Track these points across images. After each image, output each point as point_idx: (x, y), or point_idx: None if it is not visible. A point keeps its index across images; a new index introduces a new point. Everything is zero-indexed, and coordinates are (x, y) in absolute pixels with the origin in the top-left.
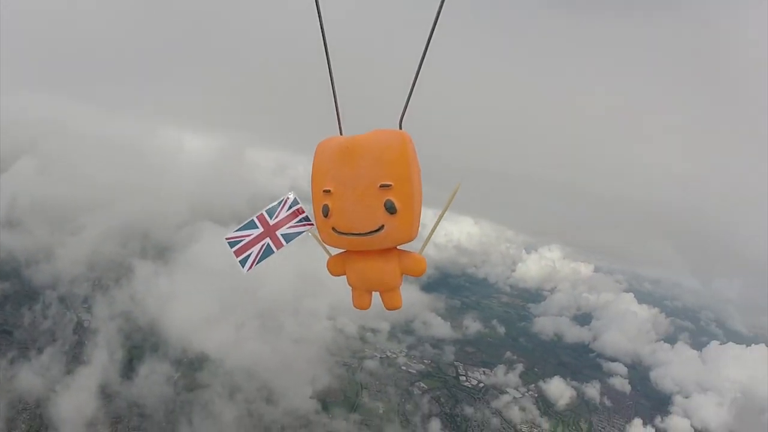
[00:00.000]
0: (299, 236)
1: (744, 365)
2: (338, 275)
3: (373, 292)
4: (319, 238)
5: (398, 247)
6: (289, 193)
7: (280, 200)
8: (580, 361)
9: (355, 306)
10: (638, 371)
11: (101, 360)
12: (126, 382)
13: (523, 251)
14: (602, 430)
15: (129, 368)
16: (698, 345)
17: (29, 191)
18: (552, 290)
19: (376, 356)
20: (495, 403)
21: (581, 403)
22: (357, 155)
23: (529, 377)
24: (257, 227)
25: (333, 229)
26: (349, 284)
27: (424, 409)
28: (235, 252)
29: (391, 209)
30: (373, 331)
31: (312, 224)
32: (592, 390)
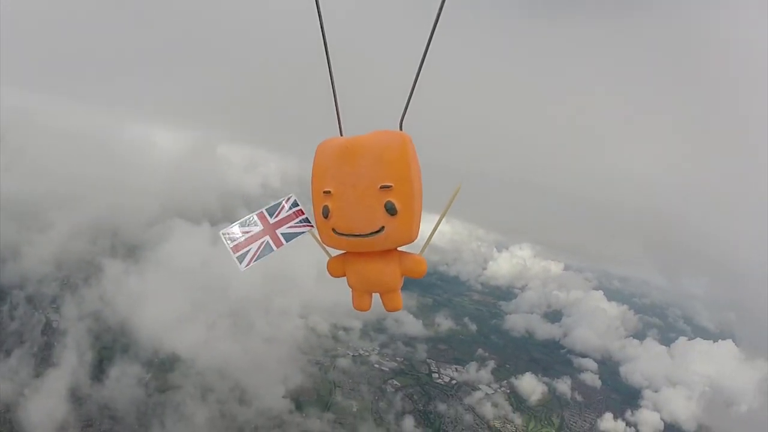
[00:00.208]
0: (299, 236)
1: (711, 360)
2: (338, 276)
3: (374, 294)
4: (319, 240)
5: (398, 249)
6: (290, 194)
7: (280, 200)
8: (551, 357)
9: (355, 307)
10: (608, 366)
11: (71, 362)
12: (96, 385)
13: (494, 250)
14: (574, 424)
15: (99, 370)
16: (666, 341)
17: None
18: (523, 288)
19: (348, 354)
20: (468, 400)
21: (553, 398)
22: (357, 155)
23: (501, 374)
24: (257, 225)
25: (333, 230)
26: (349, 285)
27: (397, 406)
28: (232, 248)
29: (391, 210)
30: (345, 329)
31: (312, 226)
32: (564, 385)
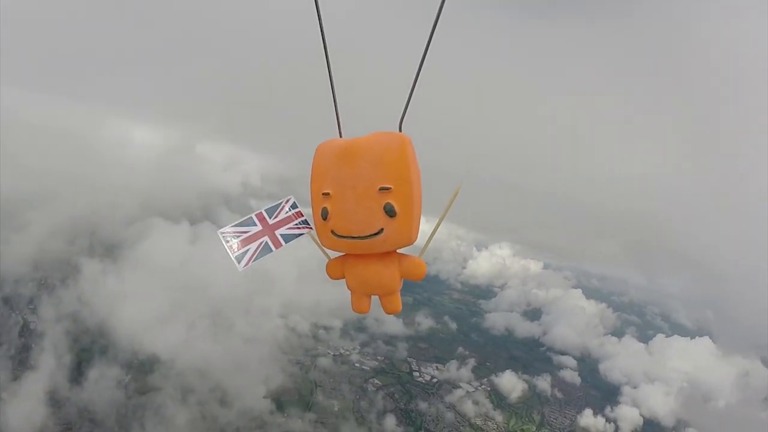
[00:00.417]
0: (298, 238)
1: (689, 357)
2: (337, 279)
3: (372, 296)
4: (318, 241)
5: (398, 251)
6: (289, 196)
7: (279, 202)
8: (531, 355)
9: (354, 309)
10: (587, 364)
11: (49, 364)
12: (75, 387)
13: (474, 249)
14: (554, 421)
15: (78, 372)
16: (645, 338)
17: None
18: (502, 287)
19: (329, 354)
20: (449, 398)
21: (533, 395)
22: (357, 157)
23: (482, 372)
24: (256, 225)
25: (332, 232)
26: (348, 288)
27: (378, 405)
28: (231, 247)
29: (390, 212)
30: (326, 328)
31: (311, 228)
32: (543, 383)
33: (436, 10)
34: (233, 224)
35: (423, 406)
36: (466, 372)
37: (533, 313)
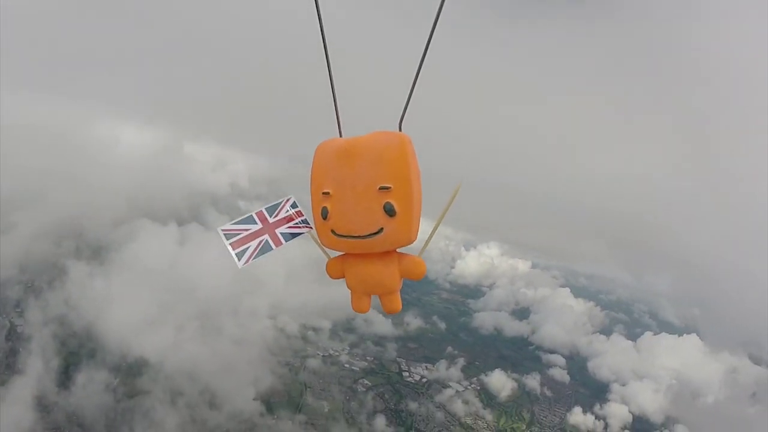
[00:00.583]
0: (298, 237)
1: (677, 354)
2: (337, 278)
3: (372, 296)
4: (318, 241)
5: (398, 250)
6: (289, 195)
7: (279, 201)
8: (520, 353)
9: (354, 309)
10: (576, 362)
11: (36, 368)
12: (63, 392)
13: (462, 248)
14: (544, 419)
15: (66, 376)
16: (633, 336)
17: None
18: (491, 286)
19: (318, 355)
20: (438, 398)
21: (522, 394)
22: (356, 156)
23: (471, 371)
24: (256, 223)
25: (332, 231)
26: (348, 287)
27: (368, 406)
28: (231, 245)
29: (390, 212)
30: (315, 329)
31: (311, 227)
32: (533, 381)
33: (436, 10)
34: (233, 222)
35: (413, 406)
36: (455, 371)
37: (522, 312)
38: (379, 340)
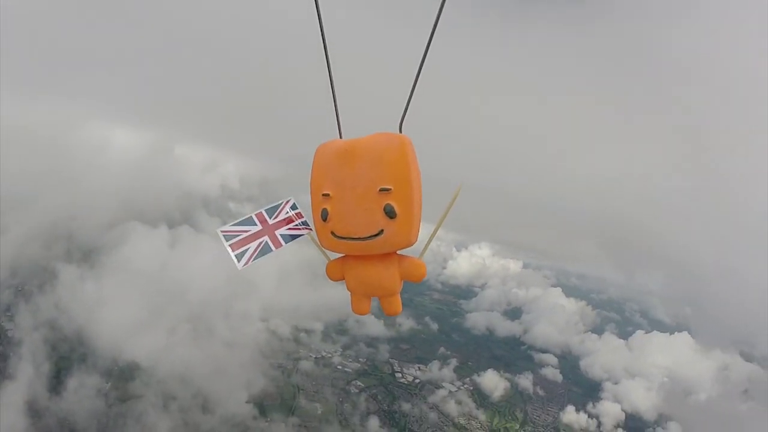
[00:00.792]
0: (298, 238)
1: (669, 352)
2: (337, 280)
3: (372, 298)
4: (318, 243)
5: (398, 252)
6: (289, 197)
7: (279, 202)
8: (513, 353)
9: (354, 311)
10: (568, 361)
11: (27, 373)
12: (55, 397)
13: (454, 249)
14: (537, 418)
15: (57, 381)
16: (624, 334)
17: None
18: (482, 286)
19: (311, 357)
20: (432, 398)
21: (515, 393)
22: (357, 157)
23: (464, 371)
24: (255, 224)
25: (332, 233)
26: (348, 289)
27: (362, 407)
28: (231, 246)
29: (390, 214)
30: (307, 331)
31: (311, 229)
32: (525, 381)
33: (437, 11)
34: (233, 223)
35: (406, 407)
36: (448, 372)
37: (514, 312)
38: (372, 342)
